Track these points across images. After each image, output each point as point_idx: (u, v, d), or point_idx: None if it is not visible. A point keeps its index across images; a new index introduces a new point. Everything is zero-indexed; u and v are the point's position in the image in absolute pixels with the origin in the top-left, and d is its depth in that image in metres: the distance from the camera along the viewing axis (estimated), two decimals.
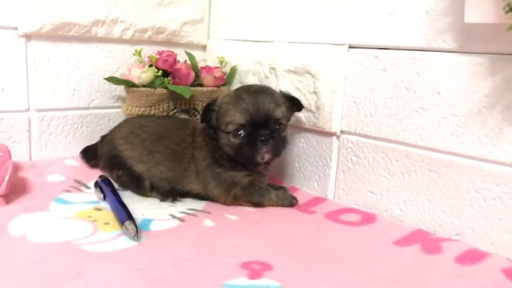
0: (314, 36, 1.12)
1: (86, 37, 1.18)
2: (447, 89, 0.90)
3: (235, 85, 1.32)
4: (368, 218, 0.99)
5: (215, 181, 1.03)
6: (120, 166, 1.09)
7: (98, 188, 1.04)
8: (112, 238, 0.83)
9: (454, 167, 0.90)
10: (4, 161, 1.03)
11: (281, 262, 0.76)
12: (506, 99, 0.82)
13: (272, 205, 1.04)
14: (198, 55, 1.40)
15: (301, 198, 1.11)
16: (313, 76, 1.11)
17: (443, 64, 0.90)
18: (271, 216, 0.99)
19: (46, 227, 0.86)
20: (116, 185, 1.11)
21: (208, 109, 1.01)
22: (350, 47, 1.05)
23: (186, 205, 1.03)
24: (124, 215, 0.88)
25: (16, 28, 1.09)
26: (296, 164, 1.20)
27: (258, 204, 1.03)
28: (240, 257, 0.77)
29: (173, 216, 0.95)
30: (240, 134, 0.98)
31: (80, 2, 1.14)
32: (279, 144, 0.99)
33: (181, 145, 1.07)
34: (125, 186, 1.10)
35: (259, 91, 1.00)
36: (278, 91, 1.05)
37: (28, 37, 1.11)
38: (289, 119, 1.07)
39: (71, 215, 0.93)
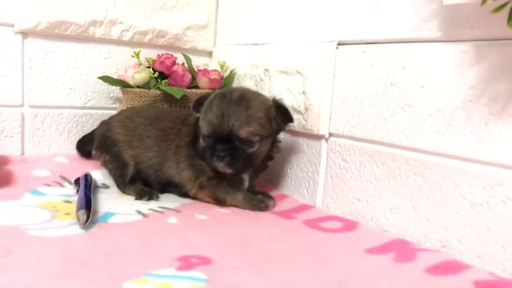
0: (304, 34, 1.07)
1: (84, 37, 1.20)
2: (432, 82, 0.81)
3: None
4: (349, 226, 0.90)
5: (187, 163, 1.02)
6: (109, 149, 1.09)
7: (77, 183, 1.03)
8: (63, 226, 0.80)
9: (439, 169, 0.80)
10: None
11: (224, 258, 0.70)
12: (491, 90, 0.72)
13: (236, 206, 1.00)
14: (203, 61, 1.38)
15: (287, 205, 1.04)
16: (302, 75, 1.05)
17: (428, 55, 0.82)
18: (243, 219, 0.93)
19: (4, 213, 0.85)
20: (98, 183, 1.11)
21: (199, 102, 1.02)
22: (339, 43, 0.99)
23: (159, 203, 0.99)
24: (82, 204, 0.85)
25: (12, 25, 1.12)
26: (288, 171, 1.13)
27: (220, 201, 1.00)
28: (183, 251, 0.72)
29: (139, 212, 0.91)
30: (206, 142, 0.97)
31: (77, 1, 1.16)
32: (238, 162, 0.95)
33: (169, 131, 1.07)
34: (110, 173, 1.12)
35: (232, 102, 0.94)
36: (271, 99, 1.00)
37: (24, 34, 1.14)
38: (277, 131, 1.02)
39: (36, 204, 0.92)
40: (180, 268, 0.64)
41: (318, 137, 1.04)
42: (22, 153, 1.17)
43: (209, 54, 1.42)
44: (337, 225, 0.91)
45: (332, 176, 1.01)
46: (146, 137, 1.07)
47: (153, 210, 0.93)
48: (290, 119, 1.00)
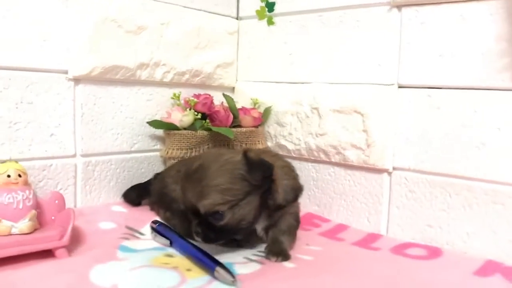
0: (361, 76, 1.16)
1: (130, 80, 1.17)
2: (508, 124, 0.95)
3: (271, 124, 1.34)
4: (433, 252, 1.01)
5: None
6: (169, 206, 1.08)
7: (157, 234, 1.00)
8: (204, 285, 0.80)
9: None
10: (59, 209, 0.98)
11: None
12: None
13: None
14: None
15: (355, 234, 1.12)
16: (362, 115, 1.14)
17: (501, 100, 0.96)
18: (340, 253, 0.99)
19: (132, 276, 0.82)
20: None
21: None
22: (400, 87, 1.10)
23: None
24: (209, 259, 0.85)
25: (66, 72, 1.06)
26: (343, 202, 1.22)
27: None
28: None
29: (249, 259, 0.93)
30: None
31: (128, 45, 1.13)
32: (212, 237, 0.89)
33: None
34: (175, 228, 1.06)
35: (189, 175, 0.89)
36: (240, 156, 0.88)
37: (77, 80, 1.08)
38: (262, 186, 0.89)
39: (147, 263, 0.88)
40: None
41: (379, 171, 1.14)
42: (75, 205, 1.11)
43: (232, 89, 1.44)
44: (421, 251, 1.02)
45: (398, 206, 1.12)
46: None
47: (257, 255, 0.96)
48: (252, 176, 0.87)
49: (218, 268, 0.82)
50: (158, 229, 1.01)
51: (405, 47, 1.09)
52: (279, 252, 0.93)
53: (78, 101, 1.08)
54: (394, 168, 1.12)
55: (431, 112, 1.06)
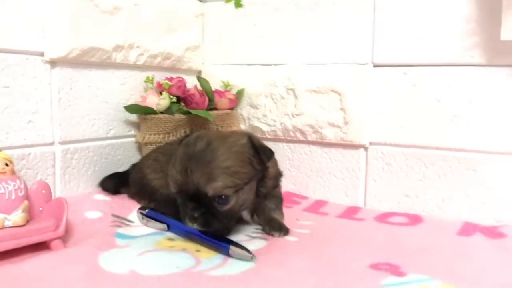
0: (337, 56, 1.21)
1: (105, 63, 1.12)
2: (479, 97, 1.04)
3: (244, 107, 1.34)
4: (414, 219, 1.09)
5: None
6: (151, 196, 1.06)
7: (150, 220, 0.98)
8: (222, 263, 0.80)
9: (491, 163, 1.04)
10: (47, 200, 0.92)
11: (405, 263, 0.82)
12: None
13: None
14: (194, 81, 1.39)
15: (337, 208, 1.17)
16: (339, 94, 1.19)
17: (472, 76, 1.05)
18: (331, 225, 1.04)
19: (146, 260, 0.80)
20: None
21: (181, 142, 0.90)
22: (375, 65, 1.16)
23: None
24: (220, 240, 0.85)
25: (42, 54, 0.99)
26: (320, 179, 1.26)
27: None
28: (362, 261, 0.81)
29: (251, 237, 0.94)
30: (177, 196, 0.87)
31: (105, 26, 1.07)
32: (213, 223, 0.84)
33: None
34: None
35: (196, 157, 0.82)
36: (244, 139, 0.87)
37: (53, 63, 1.01)
38: (263, 170, 0.90)
39: (153, 247, 0.86)
40: (397, 275, 0.74)
41: (356, 147, 1.20)
42: (54, 196, 1.04)
43: (198, 73, 1.43)
44: (402, 219, 1.09)
45: (375, 179, 1.18)
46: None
47: (257, 232, 0.97)
48: (263, 159, 0.87)
49: (232, 247, 0.82)
50: (151, 215, 0.99)
51: (379, 27, 1.15)
52: (279, 227, 0.95)
53: (55, 85, 1.02)
54: (370, 143, 1.18)
55: (407, 89, 1.13)
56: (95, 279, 0.72)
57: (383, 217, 1.10)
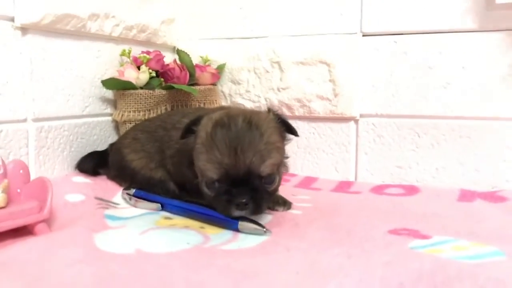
0: (323, 27, 1.16)
1: (80, 33, 1.01)
2: (472, 63, 1.04)
3: (225, 83, 1.28)
4: (411, 189, 1.07)
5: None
6: (133, 179, 0.97)
7: (138, 200, 0.90)
8: (233, 238, 0.74)
9: (485, 130, 1.04)
10: (25, 181, 0.82)
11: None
12: None
13: None
14: (171, 57, 1.31)
15: (328, 184, 1.13)
16: (328, 65, 1.15)
17: (464, 41, 1.04)
18: (329, 199, 1.00)
19: (151, 238, 0.72)
20: None
21: (188, 130, 0.81)
22: (364, 35, 1.13)
23: None
24: (218, 216, 0.78)
25: (12, 19, 0.88)
26: (308, 155, 1.22)
27: None
28: (378, 228, 0.77)
29: None
30: (214, 186, 0.76)
31: None
32: (262, 205, 0.76)
33: (162, 139, 0.95)
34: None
35: (242, 136, 0.73)
36: (270, 114, 0.81)
37: (24, 30, 0.90)
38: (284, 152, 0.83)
39: (154, 225, 0.79)
40: (422, 238, 0.71)
41: (346, 120, 1.16)
42: None
43: (173, 48, 1.34)
44: (399, 190, 1.07)
45: (366, 152, 1.16)
46: (152, 151, 0.97)
47: None
48: (294, 133, 0.83)
49: (241, 222, 0.76)
50: (140, 195, 0.91)
51: None
52: (283, 202, 0.90)
53: (27, 55, 0.90)
54: (361, 116, 1.16)
55: (397, 57, 1.10)
56: (97, 260, 0.64)
57: (379, 189, 1.08)
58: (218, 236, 0.75)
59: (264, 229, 0.74)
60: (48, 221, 0.78)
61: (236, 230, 0.76)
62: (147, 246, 0.69)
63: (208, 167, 0.75)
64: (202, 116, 0.80)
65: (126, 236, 0.74)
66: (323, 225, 0.80)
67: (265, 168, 0.74)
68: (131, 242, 0.70)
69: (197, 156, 0.77)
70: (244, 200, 0.73)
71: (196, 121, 0.80)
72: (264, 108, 1.23)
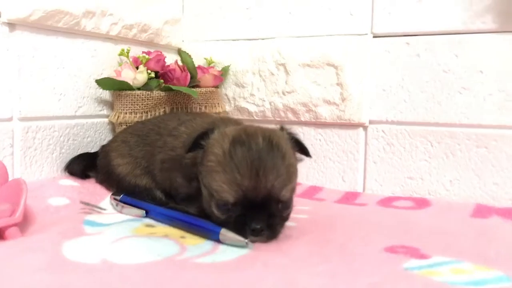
0: (332, 27, 1.10)
1: (74, 30, 0.98)
2: (491, 67, 0.95)
3: (229, 86, 1.22)
4: (421, 202, 0.98)
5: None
6: (119, 185, 0.93)
7: (125, 205, 0.85)
8: (212, 250, 0.68)
9: (504, 140, 0.95)
10: (2, 182, 0.78)
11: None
12: None
13: None
14: (173, 58, 1.26)
15: (334, 194, 1.06)
16: (336, 68, 1.08)
17: (483, 43, 0.95)
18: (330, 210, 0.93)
19: (121, 248, 0.67)
20: None
21: (196, 143, 0.74)
22: (375, 36, 1.06)
23: None
24: (208, 224, 0.73)
25: None
26: (313, 163, 1.15)
27: None
28: (374, 244, 0.70)
29: None
30: (227, 210, 0.70)
31: None
32: (277, 231, 0.71)
33: (155, 143, 0.90)
34: None
35: (264, 157, 0.67)
36: (284, 133, 0.76)
37: (12, 25, 0.87)
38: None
39: (130, 233, 0.74)
40: (420, 258, 0.63)
41: (354, 126, 1.09)
42: None
43: (176, 50, 1.30)
44: (408, 203, 0.98)
45: (375, 161, 1.08)
46: (139, 156, 0.92)
47: None
48: (307, 154, 0.79)
49: (223, 231, 0.70)
50: (125, 200, 0.86)
51: None
52: None
53: (14, 52, 0.88)
54: (370, 122, 1.08)
55: (410, 60, 1.02)
56: (59, 269, 0.59)
57: (387, 202, 1.00)
58: (196, 247, 0.69)
59: (245, 241, 0.68)
60: (20, 225, 0.73)
61: (217, 240, 0.70)
62: (114, 257, 0.63)
63: (224, 188, 0.68)
64: (212, 130, 0.74)
65: (96, 244, 0.69)
66: (315, 239, 0.73)
67: (286, 193, 0.70)
68: (100, 251, 0.65)
69: (210, 174, 0.70)
70: (259, 226, 0.68)
71: (203, 135, 0.74)
72: (268, 112, 1.17)
